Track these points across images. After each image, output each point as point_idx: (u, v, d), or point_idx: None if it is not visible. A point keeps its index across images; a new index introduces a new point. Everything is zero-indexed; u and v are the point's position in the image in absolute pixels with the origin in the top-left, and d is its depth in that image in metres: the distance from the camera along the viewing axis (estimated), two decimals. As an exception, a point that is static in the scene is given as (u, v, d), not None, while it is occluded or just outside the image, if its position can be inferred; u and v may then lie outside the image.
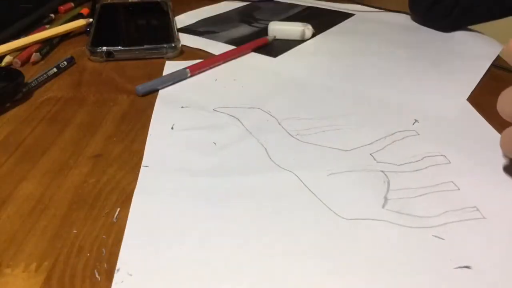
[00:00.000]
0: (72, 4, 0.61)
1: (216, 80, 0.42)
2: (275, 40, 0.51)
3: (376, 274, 0.22)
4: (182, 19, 0.57)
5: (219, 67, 0.45)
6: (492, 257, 0.23)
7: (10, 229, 0.25)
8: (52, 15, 0.57)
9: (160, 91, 0.39)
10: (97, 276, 0.22)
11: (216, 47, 0.49)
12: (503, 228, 0.25)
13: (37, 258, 0.23)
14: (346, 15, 0.62)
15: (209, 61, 0.44)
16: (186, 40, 0.51)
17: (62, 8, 0.60)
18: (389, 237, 0.24)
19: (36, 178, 0.28)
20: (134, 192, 0.27)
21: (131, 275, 0.22)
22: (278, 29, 0.51)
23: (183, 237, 0.24)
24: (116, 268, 0.22)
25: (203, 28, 0.55)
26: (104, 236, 0.24)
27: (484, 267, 0.22)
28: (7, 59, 0.44)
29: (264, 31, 0.53)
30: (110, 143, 0.32)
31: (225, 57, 0.45)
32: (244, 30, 0.55)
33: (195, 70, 0.42)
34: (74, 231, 0.24)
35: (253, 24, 0.57)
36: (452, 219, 0.25)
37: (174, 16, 0.56)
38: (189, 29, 0.54)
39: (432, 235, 0.24)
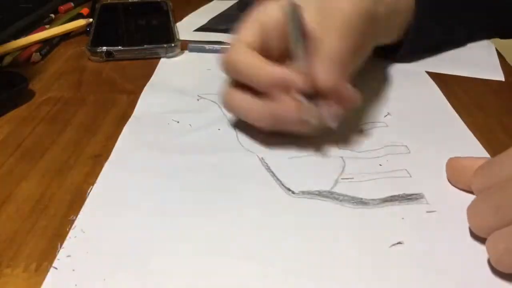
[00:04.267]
0: (72, 4, 0.61)
1: (209, 69, 0.43)
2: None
3: (312, 250, 0.23)
4: (191, 20, 0.57)
5: (216, 57, 0.45)
6: (425, 236, 0.24)
7: (10, 229, 0.25)
8: (52, 15, 0.57)
9: (152, 78, 0.42)
10: (97, 276, 0.22)
11: None
12: (445, 213, 0.25)
13: (37, 258, 0.23)
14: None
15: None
16: (214, 38, 0.50)
17: (62, 8, 0.59)
18: (331, 215, 0.25)
19: (36, 178, 0.28)
20: (106, 162, 0.29)
21: (84, 232, 0.24)
22: None
23: (139, 204, 0.26)
24: (73, 226, 0.24)
25: (223, 26, 0.55)
26: (104, 236, 0.24)
27: (416, 245, 0.23)
28: (7, 59, 0.44)
29: None
30: (110, 143, 0.32)
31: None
32: None
33: None
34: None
35: None
36: (394, 203, 0.26)
37: (176, 17, 0.56)
38: (209, 28, 0.54)
39: (370, 216, 0.25)
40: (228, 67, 0.31)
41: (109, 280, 0.21)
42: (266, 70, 0.28)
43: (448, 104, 0.37)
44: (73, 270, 0.22)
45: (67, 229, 0.24)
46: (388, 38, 0.40)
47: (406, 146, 0.31)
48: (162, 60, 0.46)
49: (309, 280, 0.21)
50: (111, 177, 0.28)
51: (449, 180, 0.28)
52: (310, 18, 0.30)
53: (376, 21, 0.34)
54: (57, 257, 0.22)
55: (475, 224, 0.23)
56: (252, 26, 0.31)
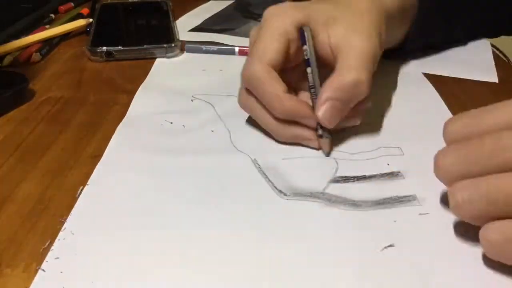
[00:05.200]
0: (72, 4, 0.61)
1: (204, 70, 0.43)
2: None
3: (304, 252, 0.23)
4: (186, 20, 0.57)
5: (212, 58, 0.46)
6: (417, 238, 0.24)
7: (10, 229, 0.25)
8: (52, 15, 0.57)
9: (147, 78, 0.41)
10: (97, 276, 0.22)
11: (248, 42, 0.49)
12: (438, 215, 0.25)
13: (37, 258, 0.23)
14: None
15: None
16: (208, 38, 0.51)
17: (62, 8, 0.59)
18: (323, 217, 0.25)
19: (36, 178, 0.28)
20: (97, 164, 0.29)
21: (73, 234, 0.24)
22: None
23: (130, 206, 0.26)
24: (63, 227, 0.24)
25: (218, 26, 0.55)
26: (104, 236, 0.24)
27: (408, 247, 0.23)
28: (7, 59, 0.44)
29: None
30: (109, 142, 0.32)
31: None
32: (255, 25, 0.55)
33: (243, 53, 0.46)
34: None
35: (259, 19, 0.57)
36: (387, 205, 0.26)
37: (175, 17, 0.56)
38: (203, 28, 0.54)
39: (362, 218, 0.25)
40: (248, 83, 0.31)
41: (97, 283, 0.21)
42: (282, 103, 0.29)
43: (444, 106, 0.37)
44: (61, 272, 0.22)
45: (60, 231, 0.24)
46: (398, 36, 0.40)
47: (400, 148, 0.31)
48: (158, 60, 0.46)
49: (299, 281, 0.21)
50: (102, 178, 0.28)
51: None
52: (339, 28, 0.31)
53: (391, 18, 0.34)
54: (46, 259, 0.22)
55: (444, 173, 0.23)
56: (273, 41, 0.30)
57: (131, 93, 0.39)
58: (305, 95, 0.32)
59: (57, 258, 0.22)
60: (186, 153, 0.31)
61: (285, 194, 0.27)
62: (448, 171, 0.23)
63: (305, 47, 0.30)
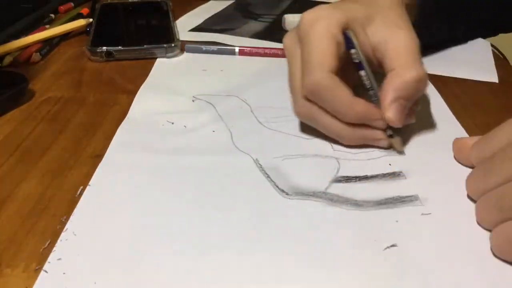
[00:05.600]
0: (72, 4, 0.61)
1: (204, 70, 0.43)
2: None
3: (306, 252, 0.23)
4: (186, 20, 0.57)
5: (212, 58, 0.46)
6: (419, 238, 0.24)
7: (10, 229, 0.25)
8: (52, 15, 0.57)
9: (148, 78, 0.41)
10: (97, 276, 0.22)
11: (248, 42, 0.50)
12: (440, 215, 0.25)
13: (37, 258, 0.23)
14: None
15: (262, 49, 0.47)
16: (208, 38, 0.51)
17: (62, 8, 0.59)
18: (325, 217, 0.25)
19: (36, 178, 0.28)
20: (99, 165, 0.29)
21: (75, 235, 0.24)
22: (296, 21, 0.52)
23: (132, 206, 0.26)
24: (65, 228, 0.24)
25: (218, 26, 0.55)
26: (104, 236, 0.24)
27: (410, 247, 0.23)
28: (7, 59, 0.44)
29: (276, 24, 0.54)
30: (110, 143, 0.32)
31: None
32: (256, 25, 0.56)
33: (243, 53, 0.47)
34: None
35: (259, 19, 0.58)
36: (389, 205, 0.26)
37: (175, 17, 0.56)
38: (203, 28, 0.54)
39: (365, 218, 0.25)
40: (312, 93, 0.29)
41: (100, 284, 0.21)
42: (352, 108, 0.29)
43: (445, 105, 0.37)
44: (64, 273, 0.22)
45: (62, 231, 0.24)
46: None
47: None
48: (158, 60, 0.46)
49: (301, 281, 0.21)
50: (104, 178, 0.28)
51: (455, 158, 0.30)
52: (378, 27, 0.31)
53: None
54: (48, 260, 0.22)
55: (471, 190, 0.26)
56: (328, 47, 0.29)
57: (131, 93, 0.39)
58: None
59: (59, 259, 0.22)
60: (188, 153, 0.31)
61: (287, 194, 0.27)
62: (472, 188, 0.26)
63: (353, 50, 0.30)
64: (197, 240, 0.24)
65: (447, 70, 0.43)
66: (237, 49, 0.47)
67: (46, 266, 0.22)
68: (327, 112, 0.30)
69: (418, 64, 0.30)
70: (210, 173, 0.29)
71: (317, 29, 0.30)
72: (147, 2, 0.61)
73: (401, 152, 0.31)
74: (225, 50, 0.47)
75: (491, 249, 0.23)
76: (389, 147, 0.31)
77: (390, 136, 0.31)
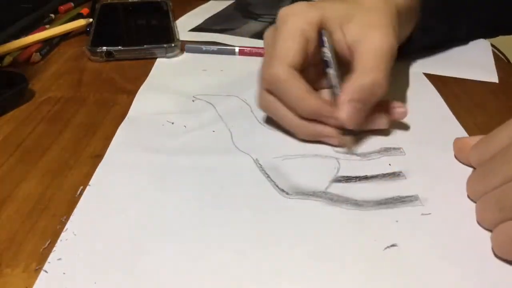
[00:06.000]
0: (72, 4, 0.61)
1: (205, 70, 0.43)
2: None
3: (305, 251, 0.23)
4: (186, 20, 0.57)
5: (212, 58, 0.46)
6: (419, 238, 0.24)
7: (10, 229, 0.25)
8: (52, 15, 0.57)
9: (148, 78, 0.41)
10: (97, 276, 0.22)
11: (248, 42, 0.50)
12: (440, 215, 0.25)
13: (37, 258, 0.23)
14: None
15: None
16: (208, 38, 0.51)
17: (62, 8, 0.59)
18: (325, 216, 0.25)
19: (36, 178, 0.28)
20: (99, 165, 0.29)
21: (75, 235, 0.24)
22: None
23: (131, 206, 0.26)
24: (65, 228, 0.24)
25: (218, 26, 0.55)
26: (104, 236, 0.24)
27: (410, 247, 0.23)
28: (7, 59, 0.44)
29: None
30: (110, 143, 0.32)
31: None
32: (256, 25, 0.56)
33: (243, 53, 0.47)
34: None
35: (259, 19, 0.58)
36: (389, 205, 0.26)
37: (175, 17, 0.56)
38: (203, 28, 0.54)
39: (364, 218, 0.25)
40: (270, 85, 0.31)
41: (100, 283, 0.21)
42: (305, 102, 0.29)
43: (445, 106, 0.37)
44: (64, 273, 0.22)
45: (62, 231, 0.24)
46: (402, 35, 0.40)
47: (401, 148, 0.31)
48: (159, 60, 0.46)
49: (301, 281, 0.21)
50: (104, 178, 0.28)
51: (455, 157, 0.30)
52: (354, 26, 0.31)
53: (401, 15, 0.35)
54: (48, 260, 0.22)
55: (471, 192, 0.26)
56: (293, 42, 0.30)
57: (131, 93, 0.39)
58: (324, 93, 0.33)
59: (60, 259, 0.22)
60: (188, 153, 0.31)
61: (287, 193, 0.27)
62: (472, 190, 0.26)
63: (324, 49, 0.31)
64: (197, 239, 0.24)
65: (447, 70, 0.43)
66: (237, 49, 0.47)
67: (46, 266, 0.22)
68: (285, 105, 0.31)
69: (378, 69, 0.30)
70: (210, 172, 0.29)
71: (289, 24, 0.30)
72: (147, 2, 0.61)
73: (350, 152, 0.31)
74: (225, 50, 0.47)
75: (492, 249, 0.23)
76: (341, 145, 0.31)
77: (343, 134, 0.31)
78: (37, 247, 0.23)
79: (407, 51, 0.42)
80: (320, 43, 0.31)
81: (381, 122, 0.32)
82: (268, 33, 0.33)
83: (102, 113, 0.36)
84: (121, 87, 0.40)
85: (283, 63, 0.29)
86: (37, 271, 0.22)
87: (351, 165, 0.30)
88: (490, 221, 0.24)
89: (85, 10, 0.58)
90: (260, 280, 0.21)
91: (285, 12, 0.31)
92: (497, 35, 0.51)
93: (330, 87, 0.31)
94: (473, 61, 0.45)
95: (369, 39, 0.31)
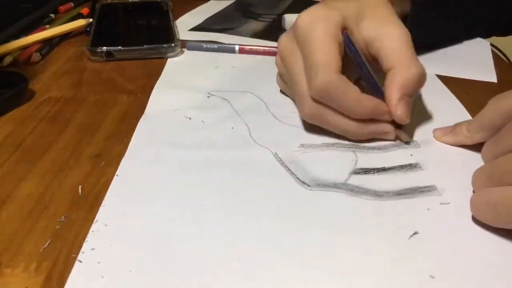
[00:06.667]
0: (72, 4, 0.61)
1: (216, 67, 0.44)
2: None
3: (331, 242, 0.24)
4: (186, 20, 0.57)
5: (223, 56, 0.47)
6: (440, 226, 0.25)
7: (10, 229, 0.25)
8: (52, 15, 0.57)
9: (161, 76, 0.42)
10: (97, 276, 0.22)
11: (248, 42, 0.50)
12: (458, 204, 0.26)
13: (37, 258, 0.23)
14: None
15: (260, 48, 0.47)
16: (208, 37, 0.51)
17: (62, 8, 0.60)
18: (348, 207, 0.26)
19: (36, 178, 0.28)
20: (123, 158, 0.30)
21: (106, 225, 0.24)
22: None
23: (158, 198, 0.27)
24: (95, 219, 0.25)
25: (218, 26, 0.55)
26: (104, 236, 0.24)
27: (431, 235, 0.24)
28: (7, 59, 0.44)
29: (276, 24, 0.54)
30: (110, 143, 0.32)
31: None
32: (256, 25, 0.56)
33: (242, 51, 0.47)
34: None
35: (259, 19, 0.58)
36: (408, 195, 0.27)
37: (175, 17, 0.56)
38: (203, 28, 0.55)
39: (385, 208, 0.26)
40: (322, 94, 0.30)
41: (135, 272, 0.22)
42: (362, 105, 0.30)
43: (456, 100, 0.37)
44: (99, 262, 0.22)
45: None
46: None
47: (416, 141, 0.32)
48: (170, 60, 0.46)
49: (328, 272, 0.22)
50: (128, 172, 0.29)
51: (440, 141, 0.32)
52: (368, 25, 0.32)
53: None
54: (82, 250, 0.23)
55: (474, 184, 0.26)
56: (331, 47, 0.30)
57: (131, 93, 0.39)
58: None
59: (93, 249, 0.23)
60: (208, 147, 0.31)
61: (308, 185, 0.27)
62: (476, 184, 0.26)
63: (354, 50, 0.31)
64: (223, 233, 0.24)
65: (447, 70, 0.43)
66: (237, 47, 0.47)
67: (80, 256, 0.22)
68: (336, 111, 0.31)
69: (413, 60, 0.31)
70: (231, 166, 0.29)
71: (318, 31, 0.30)
72: (147, 2, 0.61)
73: (408, 142, 0.32)
74: (225, 48, 0.47)
75: (470, 210, 0.25)
76: (396, 139, 0.32)
77: (399, 127, 0.32)
78: (37, 247, 0.23)
79: None
80: (346, 45, 0.31)
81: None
82: (285, 41, 0.33)
83: (102, 113, 0.36)
84: (121, 87, 0.40)
85: (331, 71, 0.29)
86: (37, 271, 0.22)
87: (368, 158, 0.30)
88: (477, 185, 0.26)
89: (85, 10, 0.58)
90: (286, 269, 0.22)
91: (307, 18, 0.30)
92: (490, 36, 0.51)
93: (367, 86, 0.31)
94: (473, 61, 0.45)
95: (390, 34, 0.31)
